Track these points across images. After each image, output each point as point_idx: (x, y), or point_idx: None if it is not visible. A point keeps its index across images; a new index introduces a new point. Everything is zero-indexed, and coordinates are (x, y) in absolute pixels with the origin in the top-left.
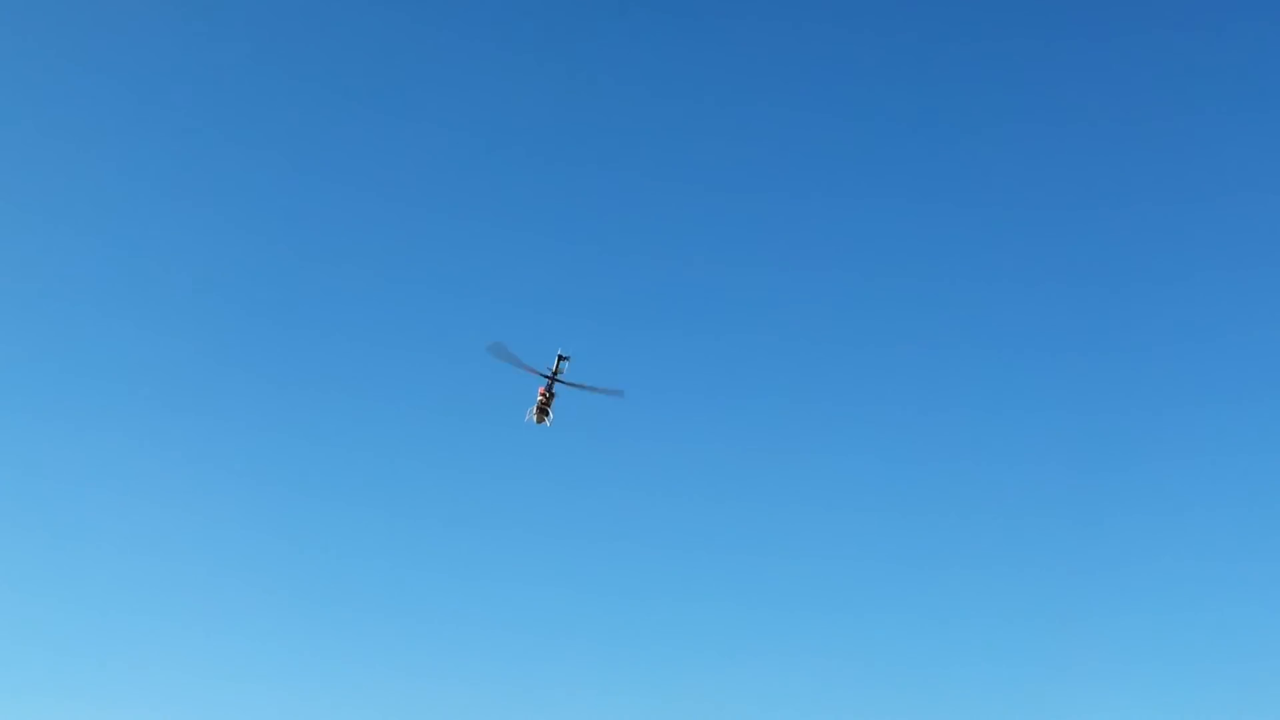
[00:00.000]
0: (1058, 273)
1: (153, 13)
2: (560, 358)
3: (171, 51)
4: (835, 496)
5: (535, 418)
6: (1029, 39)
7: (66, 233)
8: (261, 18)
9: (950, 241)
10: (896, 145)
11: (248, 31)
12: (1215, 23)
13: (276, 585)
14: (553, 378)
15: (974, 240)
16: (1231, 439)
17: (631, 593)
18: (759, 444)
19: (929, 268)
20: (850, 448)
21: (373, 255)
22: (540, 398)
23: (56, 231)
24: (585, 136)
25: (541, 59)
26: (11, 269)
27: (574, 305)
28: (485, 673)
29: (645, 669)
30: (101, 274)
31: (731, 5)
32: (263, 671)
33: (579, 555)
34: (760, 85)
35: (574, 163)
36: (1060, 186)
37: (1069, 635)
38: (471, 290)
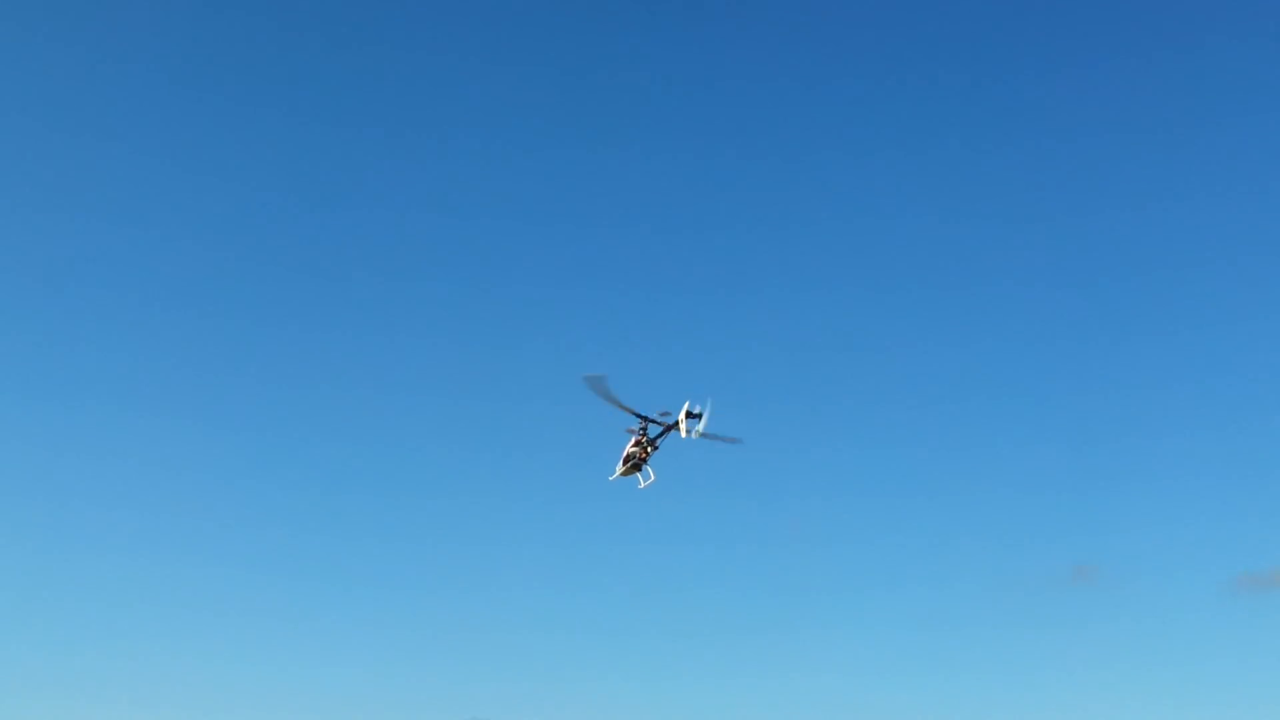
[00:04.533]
0: (1049, 274)
1: (150, 12)
2: (688, 413)
3: (172, 51)
4: (828, 492)
5: (624, 471)
6: (1032, 45)
7: (66, 232)
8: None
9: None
10: (900, 151)
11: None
12: (1215, 29)
13: (279, 585)
14: (644, 433)
15: (967, 246)
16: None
17: (629, 592)
18: (759, 440)
19: (923, 275)
20: (846, 445)
21: (376, 257)
22: (632, 448)
23: (57, 232)
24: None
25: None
26: (11, 269)
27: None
28: (483, 672)
29: (644, 668)
30: (100, 273)
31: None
32: (263, 670)
33: (576, 556)
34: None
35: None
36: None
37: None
38: (474, 290)
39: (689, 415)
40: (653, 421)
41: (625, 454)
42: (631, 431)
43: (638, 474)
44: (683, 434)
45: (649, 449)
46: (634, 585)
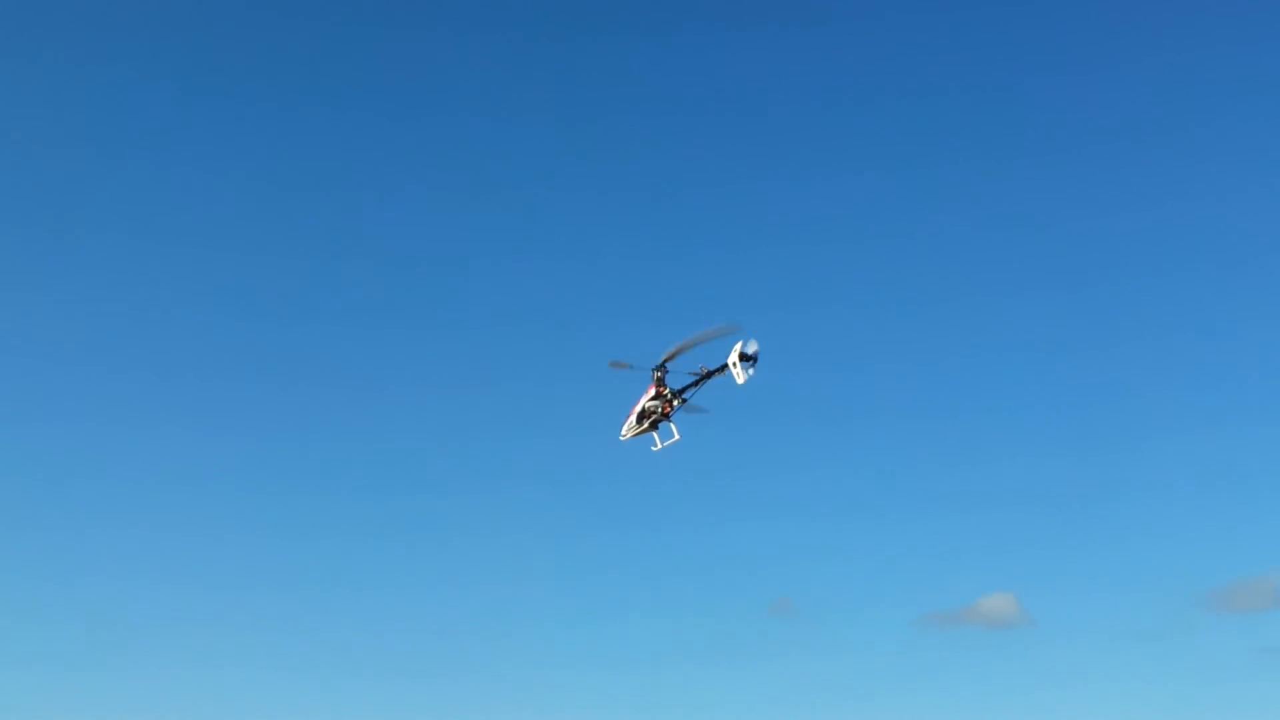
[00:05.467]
0: (1059, 278)
1: (153, 13)
2: (743, 356)
3: (172, 51)
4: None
5: (638, 430)
6: (1031, 48)
7: (65, 233)
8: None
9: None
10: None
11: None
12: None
13: (277, 587)
14: (662, 383)
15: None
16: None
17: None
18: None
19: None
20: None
21: (377, 258)
22: (650, 401)
23: (56, 232)
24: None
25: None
26: (11, 269)
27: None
28: (481, 672)
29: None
30: (100, 274)
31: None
32: (260, 670)
33: (569, 554)
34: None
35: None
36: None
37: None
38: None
39: (743, 358)
40: (659, 376)
41: (641, 408)
42: (618, 365)
43: (654, 433)
44: (739, 379)
45: (673, 402)
46: None
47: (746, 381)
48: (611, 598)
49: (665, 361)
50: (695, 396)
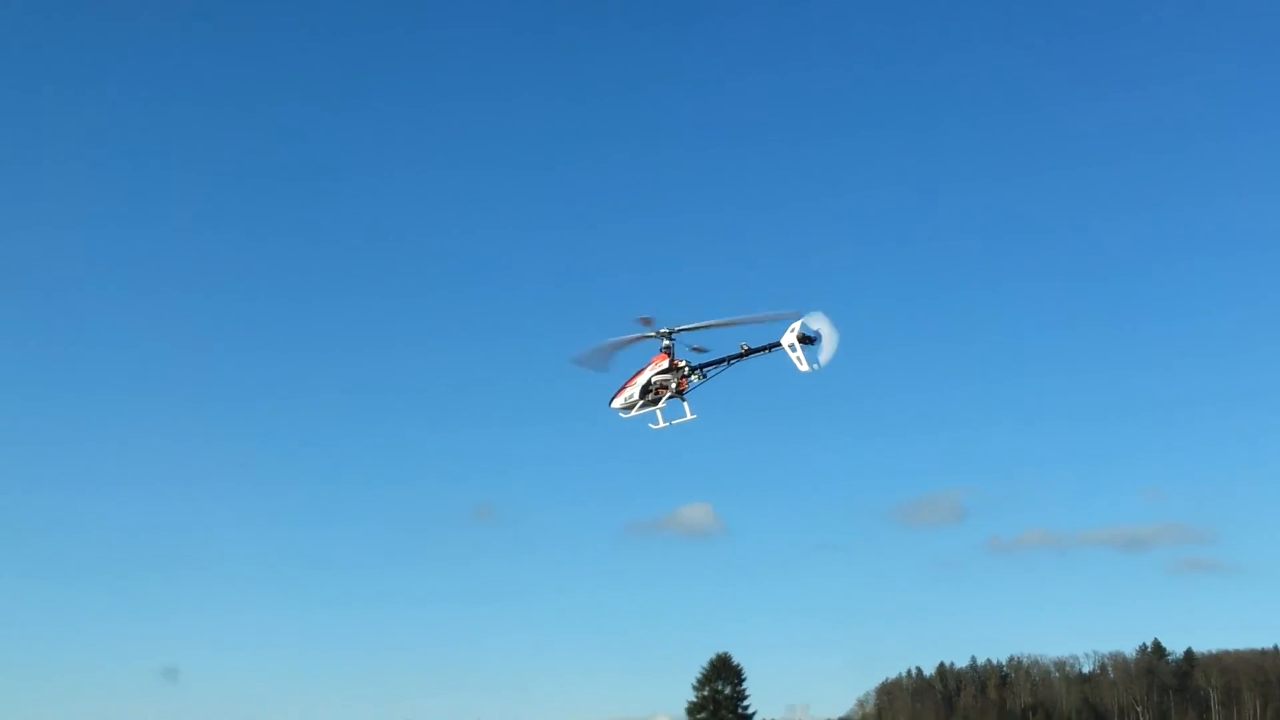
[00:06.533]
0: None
1: (152, 15)
2: (802, 337)
3: (172, 51)
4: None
5: (640, 404)
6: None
7: (67, 230)
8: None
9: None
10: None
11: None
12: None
13: (275, 583)
14: (670, 352)
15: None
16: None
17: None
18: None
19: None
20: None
21: (369, 263)
22: (660, 375)
23: (57, 229)
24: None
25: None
26: (12, 267)
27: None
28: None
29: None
30: (102, 271)
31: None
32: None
33: (564, 549)
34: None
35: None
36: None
37: None
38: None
39: (803, 340)
40: (687, 356)
41: (646, 380)
42: (645, 322)
43: (656, 410)
44: (801, 366)
45: (690, 377)
46: None
47: (812, 370)
48: (316, 505)
49: (677, 331)
50: (719, 375)
